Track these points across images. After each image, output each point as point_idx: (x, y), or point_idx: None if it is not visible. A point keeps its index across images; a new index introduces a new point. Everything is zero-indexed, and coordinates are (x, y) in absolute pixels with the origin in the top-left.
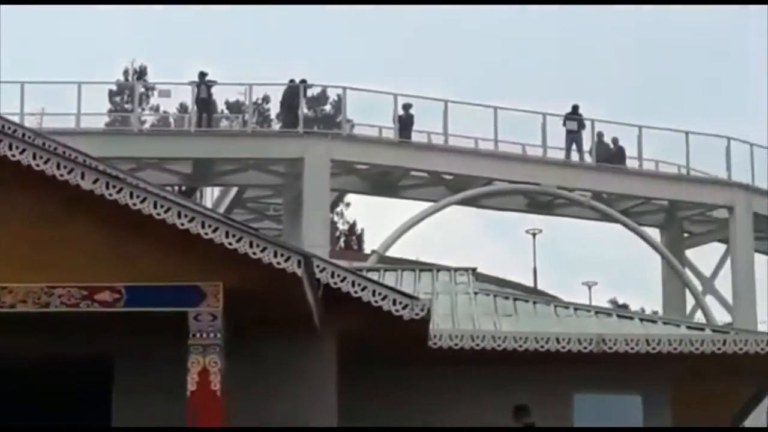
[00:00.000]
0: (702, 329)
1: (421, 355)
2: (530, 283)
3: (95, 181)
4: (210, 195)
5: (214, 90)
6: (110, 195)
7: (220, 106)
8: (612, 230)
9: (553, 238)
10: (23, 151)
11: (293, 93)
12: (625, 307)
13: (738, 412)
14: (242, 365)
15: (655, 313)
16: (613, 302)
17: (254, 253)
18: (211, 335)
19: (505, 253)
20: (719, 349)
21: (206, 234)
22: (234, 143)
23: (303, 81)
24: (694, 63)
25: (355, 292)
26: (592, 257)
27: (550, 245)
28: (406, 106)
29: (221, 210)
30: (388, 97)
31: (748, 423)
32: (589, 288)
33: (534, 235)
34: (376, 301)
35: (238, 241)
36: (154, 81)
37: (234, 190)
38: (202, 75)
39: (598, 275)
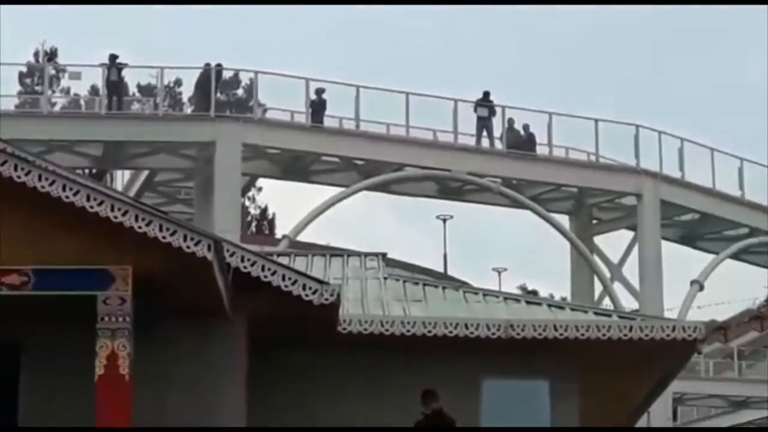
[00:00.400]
0: (609, 315)
1: (331, 340)
2: (440, 269)
3: (3, 163)
4: (120, 178)
5: (125, 73)
6: (18, 177)
7: (132, 89)
8: (522, 217)
9: (463, 224)
10: None
11: (208, 77)
12: (534, 293)
13: (644, 398)
14: (151, 350)
15: (564, 299)
16: (523, 288)
17: (164, 237)
18: (120, 319)
19: (416, 238)
20: (626, 335)
21: (116, 217)
22: (145, 126)
23: (219, 65)
24: (603, 51)
25: (265, 277)
26: (502, 243)
27: (460, 231)
28: (319, 91)
29: (132, 193)
30: (300, 81)
31: (654, 408)
32: (499, 274)
33: (444, 221)
34: (286, 286)
35: (148, 224)
36: (65, 63)
37: (145, 174)
38: (113, 57)
39: (508, 261)
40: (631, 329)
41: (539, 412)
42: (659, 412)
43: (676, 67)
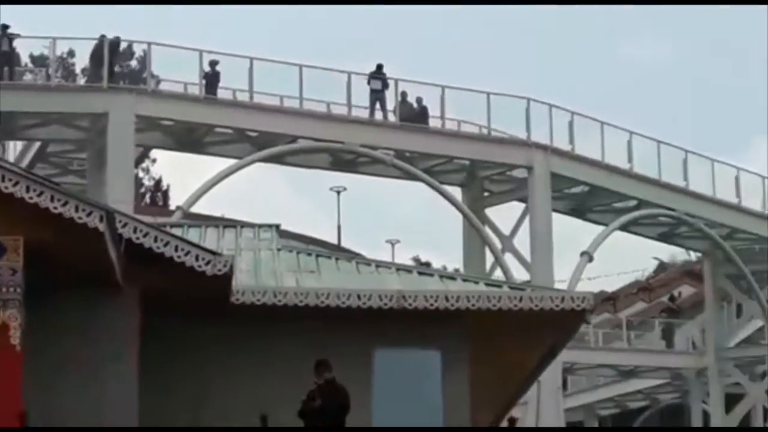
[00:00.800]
0: (500, 286)
1: (225, 312)
2: (334, 241)
3: None
4: (12, 149)
5: (16, 43)
6: None
7: (24, 59)
8: (415, 189)
9: (357, 196)
10: None
11: (104, 48)
12: (427, 264)
13: (534, 367)
14: (43, 321)
15: (457, 270)
16: (416, 260)
17: (55, 208)
18: (11, 290)
19: (310, 210)
20: (516, 305)
21: (6, 188)
22: (37, 97)
23: (117, 38)
24: (495, 25)
25: (158, 248)
26: (395, 215)
27: (354, 203)
28: (212, 63)
29: (24, 164)
30: (193, 53)
31: (544, 377)
32: (392, 245)
33: (338, 193)
34: (178, 257)
35: (39, 195)
36: None
37: (37, 145)
38: (4, 27)
39: (402, 233)
40: (521, 300)
41: (430, 382)
42: (549, 382)
43: (567, 41)
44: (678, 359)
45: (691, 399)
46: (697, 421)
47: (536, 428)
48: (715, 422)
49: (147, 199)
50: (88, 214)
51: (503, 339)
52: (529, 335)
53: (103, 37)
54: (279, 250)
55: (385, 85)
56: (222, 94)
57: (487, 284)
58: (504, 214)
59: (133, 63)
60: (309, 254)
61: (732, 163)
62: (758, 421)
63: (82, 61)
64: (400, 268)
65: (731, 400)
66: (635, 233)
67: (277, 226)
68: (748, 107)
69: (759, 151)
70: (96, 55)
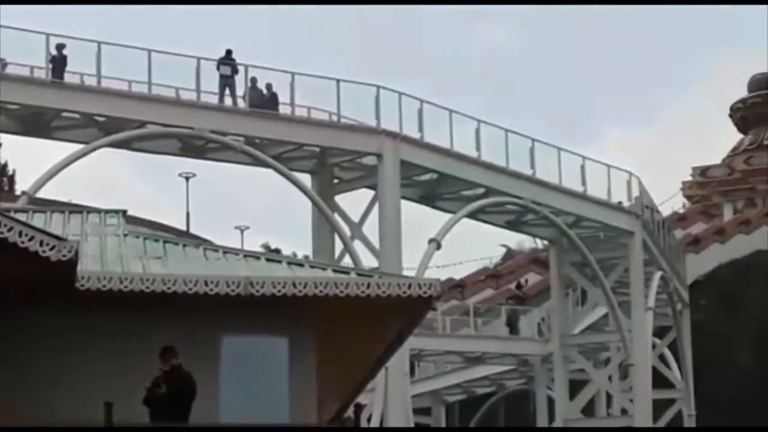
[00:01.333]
0: (348, 273)
1: (70, 298)
2: (183, 227)
3: None
4: None
5: None
6: None
7: None
8: (265, 175)
9: (206, 182)
10: None
11: None
12: (277, 251)
13: (382, 354)
14: None
15: (306, 257)
16: (266, 247)
17: None
18: None
19: (158, 196)
20: (363, 292)
21: None
22: None
23: None
24: (346, 12)
25: (1, 233)
26: (245, 202)
27: (203, 189)
28: (59, 47)
29: None
30: (40, 36)
31: (392, 363)
32: (242, 232)
33: (187, 179)
34: (22, 242)
35: None
36: None
37: None
38: None
39: (252, 220)
40: (368, 286)
41: (278, 369)
42: (396, 368)
43: (418, 29)
44: (524, 346)
45: (536, 385)
46: (542, 407)
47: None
48: (559, 408)
49: None
50: None
51: (351, 326)
52: (376, 322)
53: None
54: (125, 236)
55: (235, 71)
56: (69, 78)
57: (335, 271)
58: (353, 202)
59: None
60: (156, 240)
61: (579, 152)
62: (602, 407)
63: None
64: (248, 255)
65: (575, 386)
66: (483, 221)
67: (124, 212)
68: (598, 97)
69: (608, 141)
70: None
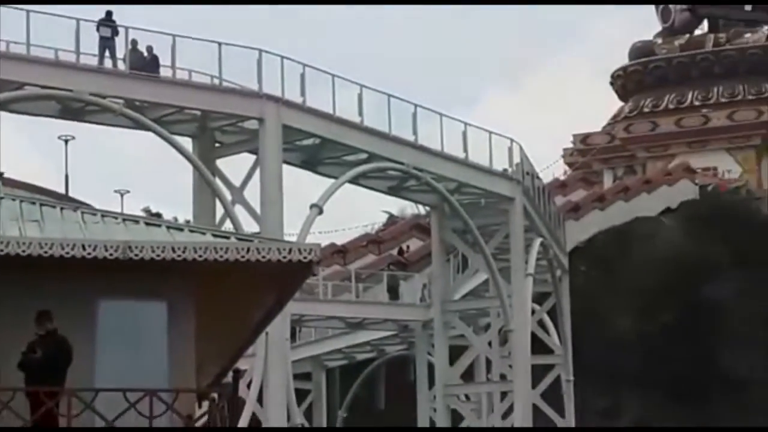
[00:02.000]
0: (227, 237)
1: None
2: (62, 190)
3: None
4: None
5: None
6: None
7: None
8: (145, 139)
9: (86, 145)
10: None
11: None
12: (158, 215)
13: (262, 319)
14: None
15: (188, 222)
16: (147, 211)
17: None
18: None
19: (37, 159)
20: (243, 257)
21: None
22: None
23: None
24: None
25: None
26: (125, 165)
27: (83, 152)
28: None
29: None
30: None
31: (272, 328)
32: (122, 196)
33: (66, 141)
34: None
35: None
36: None
37: None
38: None
39: (132, 184)
40: (248, 251)
41: (156, 334)
42: (276, 333)
43: None
44: (405, 311)
45: (416, 350)
46: (422, 372)
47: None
48: (439, 373)
49: None
50: None
51: (230, 290)
52: (256, 287)
53: None
54: (1, 198)
55: (115, 33)
56: None
57: (214, 235)
58: (235, 166)
59: None
60: (33, 203)
61: (461, 118)
62: (481, 373)
63: None
64: (127, 219)
65: (455, 352)
66: (365, 186)
67: (1, 174)
68: (479, 62)
69: (490, 105)
70: None
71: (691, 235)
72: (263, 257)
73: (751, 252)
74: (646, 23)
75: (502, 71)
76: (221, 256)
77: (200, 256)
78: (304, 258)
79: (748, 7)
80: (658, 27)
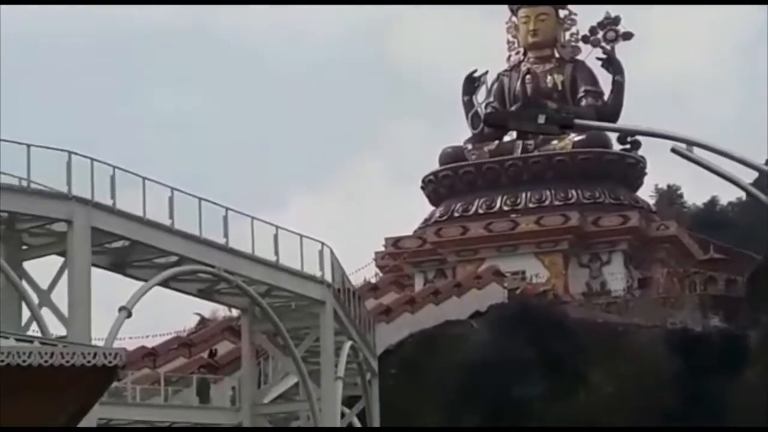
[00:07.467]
0: (31, 342)
1: None
2: None
3: None
4: None
5: None
6: None
7: None
8: None
9: None
10: None
11: None
12: None
13: (65, 422)
14: None
15: None
16: None
17: None
18: None
19: None
20: (47, 361)
21: None
22: None
23: None
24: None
25: None
26: None
27: None
28: None
29: None
30: None
31: None
32: None
33: None
34: None
35: None
36: None
37: None
38: None
39: None
40: (52, 355)
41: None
42: None
43: (111, 96)
44: (215, 415)
45: None
46: None
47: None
48: None
49: None
50: None
51: (35, 395)
52: (61, 391)
53: None
54: None
55: None
56: None
57: (18, 340)
58: (43, 268)
59: None
60: None
61: (272, 221)
62: None
63: None
64: None
65: None
66: (176, 289)
67: None
68: (287, 162)
69: (297, 207)
70: None
71: (499, 338)
72: (67, 362)
73: (558, 355)
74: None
75: (310, 175)
76: (24, 361)
77: (2, 361)
78: (109, 362)
79: (541, 119)
80: (466, 133)
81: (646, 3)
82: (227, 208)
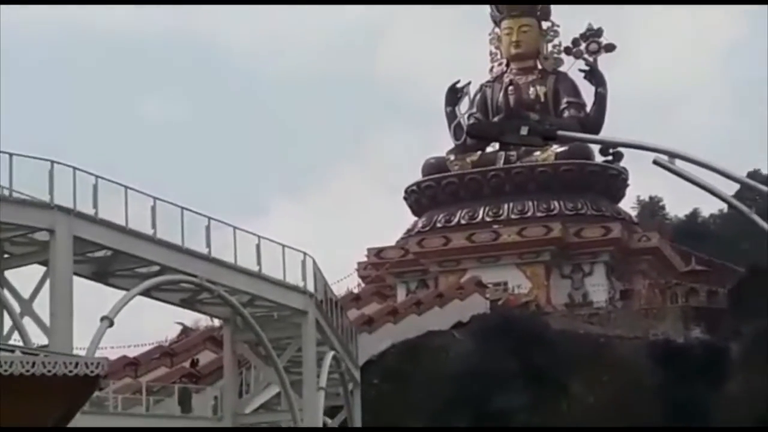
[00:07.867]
0: (12, 351)
1: None
2: None
3: None
4: None
5: None
6: None
7: None
8: None
9: None
10: None
11: None
12: None
13: None
14: None
15: None
16: None
17: None
18: None
19: None
20: (28, 371)
21: None
22: None
23: None
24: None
25: None
26: None
27: None
28: None
29: None
30: None
31: None
32: None
33: None
34: None
35: None
36: None
37: None
38: None
39: None
40: (33, 365)
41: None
42: None
43: (93, 103)
44: (196, 425)
45: None
46: None
47: None
48: None
49: None
50: None
51: (17, 405)
52: (42, 401)
53: None
54: None
55: None
56: None
57: (0, 349)
58: (25, 278)
59: None
60: None
61: (254, 231)
62: None
63: None
64: None
65: None
66: (158, 299)
67: None
68: (270, 171)
69: (279, 216)
70: None
71: (481, 349)
72: (49, 371)
73: (540, 366)
74: (430, 140)
75: (292, 184)
76: (6, 371)
77: None
78: (91, 372)
79: (524, 131)
80: (448, 144)
81: (629, 3)
82: (210, 218)
